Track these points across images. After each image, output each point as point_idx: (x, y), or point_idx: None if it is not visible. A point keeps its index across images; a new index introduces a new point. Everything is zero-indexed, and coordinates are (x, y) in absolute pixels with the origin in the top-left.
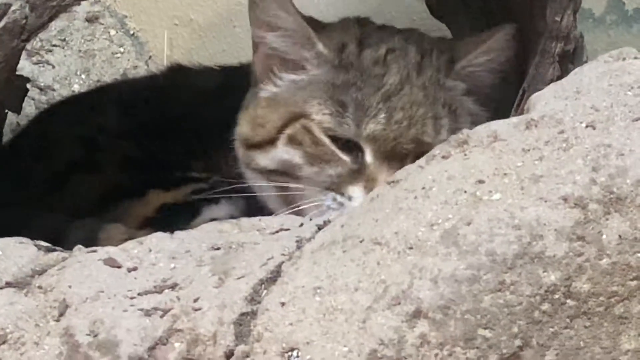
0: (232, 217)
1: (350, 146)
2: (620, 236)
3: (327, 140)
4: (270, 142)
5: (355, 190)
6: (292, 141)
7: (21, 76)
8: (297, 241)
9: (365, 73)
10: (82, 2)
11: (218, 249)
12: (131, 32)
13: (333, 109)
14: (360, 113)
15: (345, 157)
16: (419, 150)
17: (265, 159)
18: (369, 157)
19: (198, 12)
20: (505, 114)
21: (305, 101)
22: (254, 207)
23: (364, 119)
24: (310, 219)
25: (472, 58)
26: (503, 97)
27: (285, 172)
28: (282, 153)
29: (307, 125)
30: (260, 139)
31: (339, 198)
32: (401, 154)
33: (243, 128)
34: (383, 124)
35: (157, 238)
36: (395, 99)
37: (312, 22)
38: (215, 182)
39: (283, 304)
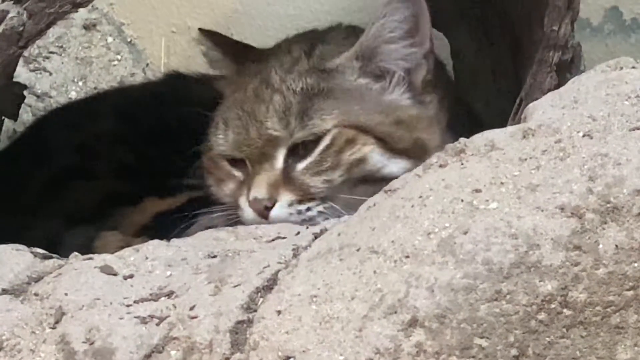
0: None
1: (240, 162)
2: (616, 246)
3: (223, 163)
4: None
5: (242, 201)
6: (207, 172)
7: (18, 83)
8: (293, 249)
9: (240, 90)
10: (80, 10)
11: (214, 257)
12: (128, 40)
13: (213, 132)
14: (226, 128)
15: (236, 173)
16: (281, 145)
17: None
18: (248, 166)
19: (195, 20)
20: (499, 113)
21: (210, 134)
22: None
23: (227, 132)
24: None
25: (365, 35)
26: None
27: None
28: (210, 185)
29: (210, 155)
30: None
31: (238, 212)
32: (266, 154)
33: None
34: (236, 132)
35: (154, 246)
36: (247, 105)
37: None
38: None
39: (279, 312)
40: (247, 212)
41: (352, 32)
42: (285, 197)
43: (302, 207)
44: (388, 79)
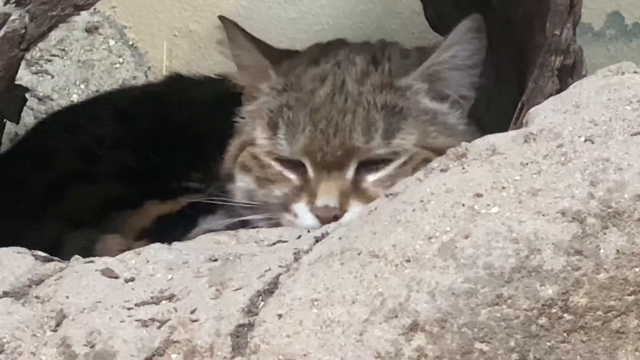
0: (229, 228)
1: (296, 165)
2: (618, 251)
3: (273, 162)
4: (231, 173)
5: (300, 207)
6: (243, 168)
7: (20, 86)
8: (294, 253)
9: (301, 91)
10: (82, 12)
11: (215, 260)
12: (130, 43)
13: (270, 132)
14: (292, 131)
15: (290, 176)
16: (358, 156)
17: (235, 189)
18: (310, 171)
19: (197, 23)
20: (500, 120)
21: (253, 128)
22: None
23: (295, 135)
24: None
25: (434, 57)
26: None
27: (249, 199)
28: (239, 181)
29: (253, 152)
30: (226, 170)
31: (287, 217)
32: (337, 163)
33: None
34: (309, 137)
35: (155, 249)
36: (323, 110)
37: (283, 53)
38: (212, 193)
39: (280, 315)
40: (306, 218)
41: (406, 53)
42: (356, 208)
43: None
44: (446, 103)
